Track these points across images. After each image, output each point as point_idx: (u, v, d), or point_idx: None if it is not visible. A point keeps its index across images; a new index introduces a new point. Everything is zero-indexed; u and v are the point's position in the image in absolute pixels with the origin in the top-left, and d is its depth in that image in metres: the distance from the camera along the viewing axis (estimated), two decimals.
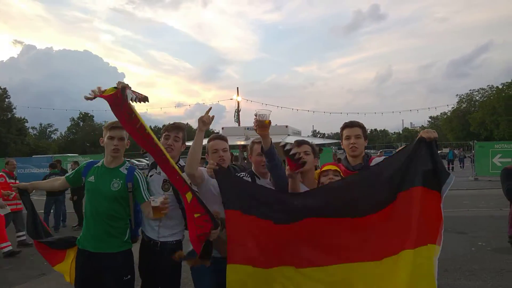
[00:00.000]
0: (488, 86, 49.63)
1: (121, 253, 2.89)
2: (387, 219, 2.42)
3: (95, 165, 3.01)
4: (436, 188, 2.34)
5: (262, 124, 2.63)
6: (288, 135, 17.78)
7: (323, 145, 24.59)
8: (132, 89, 2.63)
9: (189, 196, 2.66)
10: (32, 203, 3.27)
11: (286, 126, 18.33)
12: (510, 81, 43.86)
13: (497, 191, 3.30)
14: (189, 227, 2.71)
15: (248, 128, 18.59)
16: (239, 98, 30.98)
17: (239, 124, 28.44)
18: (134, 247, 3.05)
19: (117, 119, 2.72)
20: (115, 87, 2.58)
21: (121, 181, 2.89)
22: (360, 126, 3.02)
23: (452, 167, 27.82)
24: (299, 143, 3.16)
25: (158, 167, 3.05)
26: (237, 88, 31.33)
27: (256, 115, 2.66)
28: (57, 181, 3.29)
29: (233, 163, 8.85)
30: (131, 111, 2.63)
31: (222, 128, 19.84)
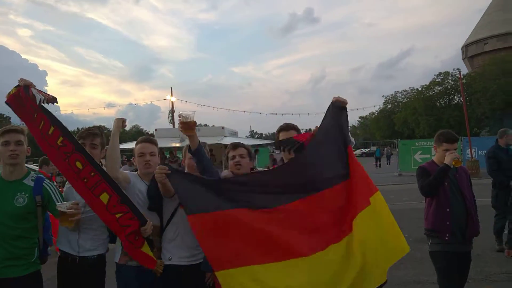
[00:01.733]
0: (409, 88, 53.88)
1: (28, 276, 2.55)
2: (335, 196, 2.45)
3: None
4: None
5: (187, 126, 2.62)
6: (225, 136, 17.71)
7: (260, 145, 24.87)
8: (37, 88, 2.48)
9: (104, 197, 2.47)
10: None
11: (223, 127, 18.27)
12: (428, 83, 47.94)
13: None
14: (115, 231, 2.52)
15: None
16: (173, 99, 30.46)
17: (173, 126, 27.77)
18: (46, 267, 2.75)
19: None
20: (17, 86, 2.42)
21: (27, 195, 2.56)
22: (295, 129, 3.04)
23: (380, 164, 29.73)
24: (235, 146, 3.14)
25: None
26: (171, 88, 30.55)
27: (180, 116, 2.65)
28: None
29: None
30: (34, 110, 2.44)
31: (156, 130, 19.21)
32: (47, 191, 2.64)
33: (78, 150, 2.49)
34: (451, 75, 45.09)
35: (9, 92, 2.46)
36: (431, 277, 4.06)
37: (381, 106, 57.68)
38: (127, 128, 2.86)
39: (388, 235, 2.38)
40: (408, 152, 20.09)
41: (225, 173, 3.21)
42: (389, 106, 59.12)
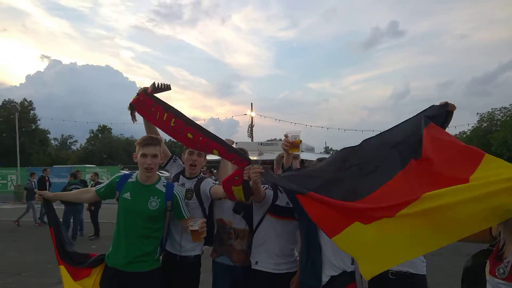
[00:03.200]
0: (510, 105, 48.49)
1: (152, 271, 2.78)
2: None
3: (129, 180, 2.88)
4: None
5: (294, 145, 2.80)
6: (302, 151, 17.74)
7: None
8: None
9: (215, 153, 2.83)
10: (57, 217, 3.11)
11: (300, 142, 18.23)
12: None
13: None
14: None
15: (261, 144, 18.59)
16: (253, 114, 30.76)
17: (252, 139, 28.34)
18: None
19: (147, 135, 2.94)
20: (137, 93, 3.02)
21: (159, 200, 2.80)
22: None
23: None
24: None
25: (180, 179, 3.22)
26: (251, 104, 31.28)
27: (287, 136, 2.80)
28: (86, 194, 3.17)
29: None
30: (151, 106, 2.94)
31: (236, 143, 19.73)
32: (176, 199, 2.85)
33: (187, 124, 2.84)
34: None
35: (131, 104, 3.05)
36: None
37: (475, 124, 52.78)
38: None
39: None
40: None
41: None
42: (484, 125, 53.83)
